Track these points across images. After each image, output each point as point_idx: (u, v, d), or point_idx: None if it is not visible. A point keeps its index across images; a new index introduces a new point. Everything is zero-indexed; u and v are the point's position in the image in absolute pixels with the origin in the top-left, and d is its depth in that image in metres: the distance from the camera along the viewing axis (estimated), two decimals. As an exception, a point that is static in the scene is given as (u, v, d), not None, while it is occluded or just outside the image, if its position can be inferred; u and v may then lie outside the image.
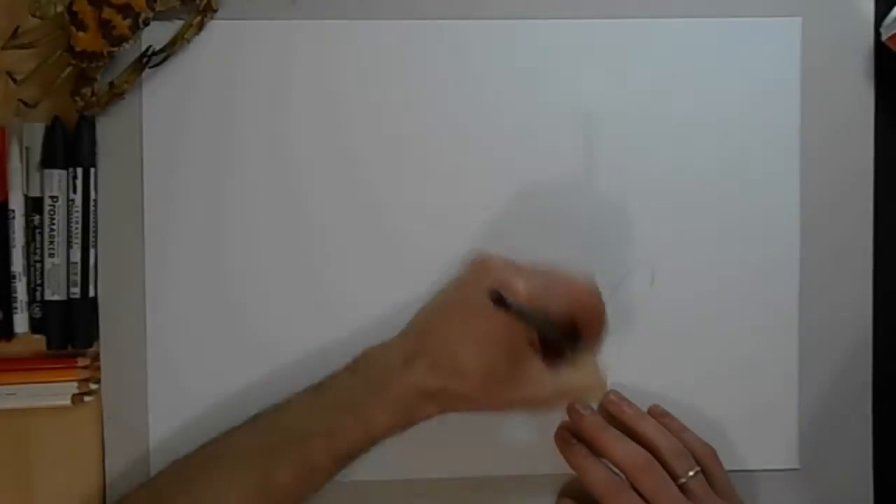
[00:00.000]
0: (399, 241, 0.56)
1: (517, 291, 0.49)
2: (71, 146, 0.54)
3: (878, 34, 0.57)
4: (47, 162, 0.53)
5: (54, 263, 0.54)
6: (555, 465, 0.56)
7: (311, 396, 0.52)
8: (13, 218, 0.54)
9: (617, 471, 0.53)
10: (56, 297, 0.54)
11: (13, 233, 0.53)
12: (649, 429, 0.54)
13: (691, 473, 0.52)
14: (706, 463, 0.54)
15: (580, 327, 0.52)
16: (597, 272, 0.56)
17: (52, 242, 0.54)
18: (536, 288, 0.50)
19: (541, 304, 0.50)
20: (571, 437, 0.55)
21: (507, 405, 0.51)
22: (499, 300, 0.46)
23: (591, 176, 0.56)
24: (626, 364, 0.57)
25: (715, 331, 0.57)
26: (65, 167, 0.54)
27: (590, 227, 0.57)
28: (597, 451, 0.54)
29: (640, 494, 0.51)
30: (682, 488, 0.52)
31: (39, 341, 0.54)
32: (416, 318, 0.53)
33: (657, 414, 0.56)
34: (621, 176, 0.56)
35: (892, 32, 0.55)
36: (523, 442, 0.57)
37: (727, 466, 0.55)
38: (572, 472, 0.55)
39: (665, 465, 0.52)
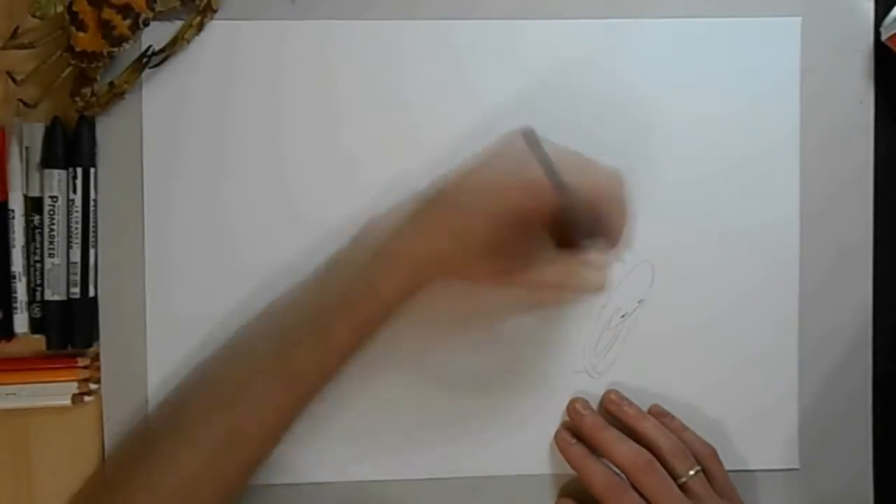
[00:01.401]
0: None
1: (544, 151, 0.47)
2: (71, 146, 0.54)
3: (878, 34, 0.57)
4: (47, 162, 0.53)
5: (54, 263, 0.54)
6: (555, 465, 0.56)
7: (321, 274, 0.52)
8: (13, 218, 0.54)
9: (618, 470, 0.53)
10: (56, 297, 0.54)
11: (13, 233, 0.53)
12: (650, 428, 0.54)
13: (692, 473, 0.52)
14: (707, 462, 0.54)
15: (602, 218, 0.51)
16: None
17: (52, 242, 0.54)
18: (566, 165, 0.48)
19: (566, 189, 0.48)
20: (572, 437, 0.55)
21: (508, 280, 0.50)
22: (532, 139, 0.43)
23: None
24: (626, 364, 0.57)
25: (715, 331, 0.57)
26: (65, 167, 0.54)
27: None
28: (597, 451, 0.54)
29: (640, 494, 0.51)
30: (683, 488, 0.52)
31: (39, 341, 0.54)
32: (435, 184, 0.51)
33: (657, 414, 0.56)
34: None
35: (892, 32, 0.55)
36: (523, 442, 0.57)
37: (727, 466, 0.55)
38: (572, 472, 0.55)
39: (666, 465, 0.52)
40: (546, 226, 0.49)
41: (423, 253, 0.50)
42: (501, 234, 0.48)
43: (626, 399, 0.56)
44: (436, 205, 0.50)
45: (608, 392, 0.56)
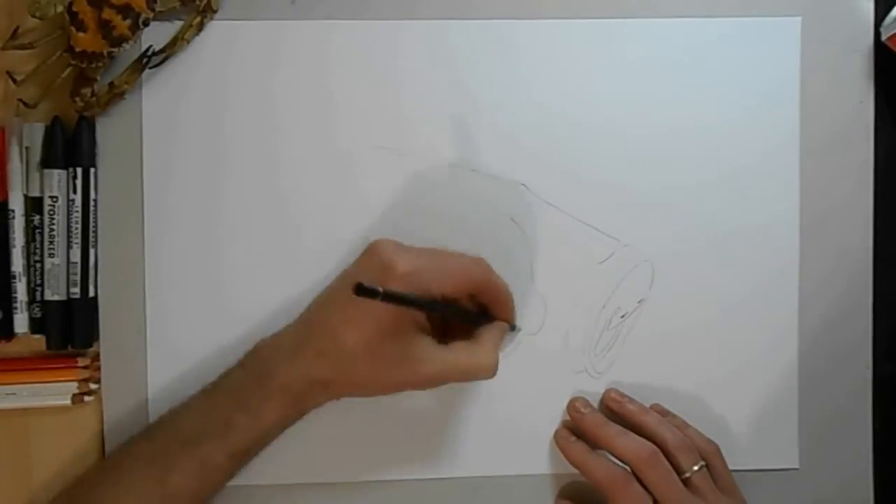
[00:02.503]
0: (400, 239, 0.55)
1: (397, 270, 0.48)
2: (71, 146, 0.54)
3: (878, 34, 0.57)
4: (47, 162, 0.53)
5: (54, 263, 0.54)
6: (555, 465, 0.56)
7: (205, 396, 0.52)
8: (13, 218, 0.54)
9: (621, 464, 0.53)
10: (56, 297, 0.54)
11: (13, 233, 0.53)
12: (654, 423, 0.54)
13: (696, 468, 0.52)
14: (710, 459, 0.54)
15: (485, 303, 0.52)
16: (598, 272, 0.56)
17: (52, 242, 0.54)
18: (426, 269, 0.49)
19: (425, 283, 0.49)
20: (571, 435, 0.55)
21: (396, 387, 0.51)
22: (361, 290, 0.44)
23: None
24: (626, 364, 0.57)
25: (715, 331, 0.57)
26: (65, 167, 0.54)
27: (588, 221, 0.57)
28: (599, 448, 0.54)
29: (644, 488, 0.51)
30: (686, 483, 0.52)
31: (39, 341, 0.54)
32: (308, 307, 0.53)
33: (659, 412, 0.56)
34: (620, 175, 0.56)
35: (892, 32, 0.55)
36: (523, 442, 0.57)
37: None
38: (573, 472, 0.55)
39: (670, 459, 0.52)
40: (421, 326, 0.51)
41: (304, 379, 0.50)
42: (376, 346, 0.49)
43: (627, 396, 0.56)
44: (307, 329, 0.51)
45: (608, 390, 0.56)
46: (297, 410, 0.52)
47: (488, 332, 0.52)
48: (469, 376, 0.52)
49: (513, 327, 0.55)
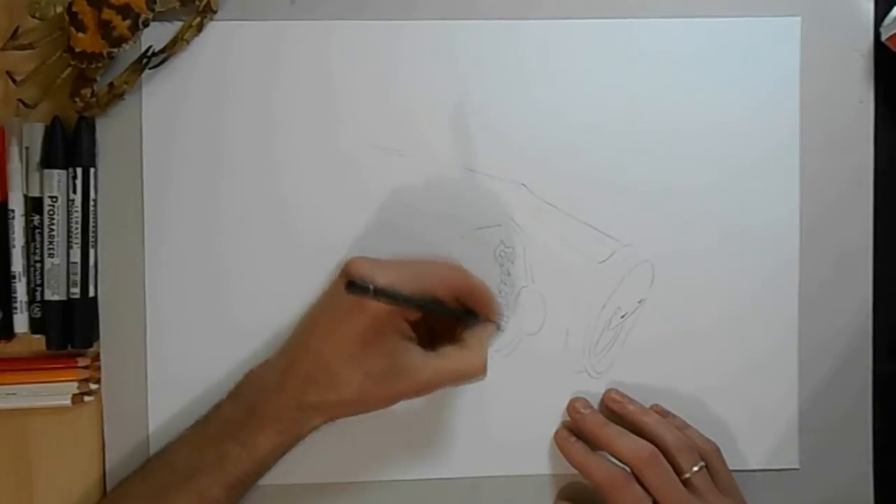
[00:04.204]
0: (400, 240, 0.56)
1: (376, 282, 0.48)
2: (70, 146, 0.54)
3: (878, 34, 0.57)
4: (47, 162, 0.53)
5: (54, 263, 0.54)
6: (555, 465, 0.56)
7: (198, 430, 0.52)
8: (13, 218, 0.54)
9: (621, 465, 0.53)
10: (56, 297, 0.54)
11: (13, 233, 0.54)
12: (654, 423, 0.54)
13: (696, 469, 0.52)
14: (710, 459, 0.54)
15: (469, 307, 0.52)
16: (598, 272, 0.56)
17: (51, 242, 0.54)
18: (400, 280, 0.49)
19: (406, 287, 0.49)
20: (571, 435, 0.55)
21: (389, 400, 0.51)
22: (351, 285, 0.45)
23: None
24: (626, 364, 0.57)
25: (715, 331, 0.57)
26: (64, 167, 0.54)
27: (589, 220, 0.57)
28: (599, 448, 0.54)
29: (644, 489, 0.51)
30: (686, 483, 0.52)
31: (39, 341, 0.54)
32: (292, 333, 0.53)
33: (659, 412, 0.56)
34: (620, 175, 0.56)
35: (892, 32, 0.55)
36: (523, 442, 0.57)
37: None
38: (573, 472, 0.55)
39: (670, 460, 0.52)
40: (406, 335, 0.50)
41: (295, 406, 0.50)
42: (362, 363, 0.49)
43: (628, 396, 0.56)
44: (292, 356, 0.52)
45: (609, 391, 0.56)
46: (291, 436, 0.51)
47: (474, 334, 0.52)
48: (460, 379, 0.52)
49: (498, 326, 0.55)
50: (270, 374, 0.52)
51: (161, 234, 0.55)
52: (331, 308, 0.51)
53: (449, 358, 0.51)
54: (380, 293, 0.46)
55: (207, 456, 0.51)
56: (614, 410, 0.56)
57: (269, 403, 0.51)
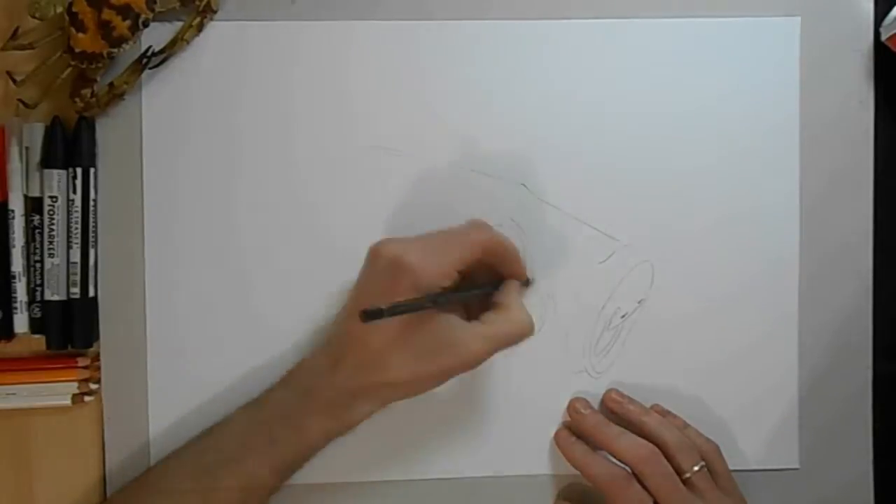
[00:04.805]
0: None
1: (407, 264, 0.48)
2: (70, 146, 0.54)
3: (878, 34, 0.57)
4: (47, 162, 0.53)
5: (54, 263, 0.54)
6: (555, 465, 0.56)
7: (248, 413, 0.52)
8: (13, 218, 0.54)
9: (622, 465, 0.53)
10: (56, 297, 0.54)
11: (13, 233, 0.54)
12: (654, 423, 0.54)
13: (696, 468, 0.52)
14: (710, 459, 0.54)
15: (498, 266, 0.52)
16: (598, 272, 0.56)
17: (51, 242, 0.54)
18: (433, 252, 0.49)
19: (438, 266, 0.49)
20: (571, 435, 0.55)
21: (442, 375, 0.50)
22: (365, 314, 0.45)
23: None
24: (626, 364, 0.57)
25: (715, 330, 0.57)
26: (64, 167, 0.54)
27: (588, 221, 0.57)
28: (600, 448, 0.54)
29: (644, 488, 0.51)
30: (687, 483, 0.52)
31: (39, 341, 0.54)
32: (336, 321, 0.53)
33: (659, 412, 0.56)
34: (620, 175, 0.56)
35: (892, 32, 0.55)
36: (523, 442, 0.56)
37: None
38: (573, 472, 0.55)
39: (671, 460, 0.52)
40: (443, 310, 0.50)
41: (346, 392, 0.50)
42: (407, 342, 0.49)
43: (628, 397, 0.56)
44: (338, 343, 0.51)
45: (609, 391, 0.56)
46: (342, 423, 0.51)
47: (508, 294, 0.52)
48: (512, 342, 0.51)
49: (526, 282, 0.54)
50: (323, 361, 0.51)
51: (161, 235, 0.55)
52: (364, 294, 0.51)
53: (494, 324, 0.50)
54: (394, 311, 0.46)
55: (257, 438, 0.51)
56: (614, 410, 0.56)
57: (322, 389, 0.51)
